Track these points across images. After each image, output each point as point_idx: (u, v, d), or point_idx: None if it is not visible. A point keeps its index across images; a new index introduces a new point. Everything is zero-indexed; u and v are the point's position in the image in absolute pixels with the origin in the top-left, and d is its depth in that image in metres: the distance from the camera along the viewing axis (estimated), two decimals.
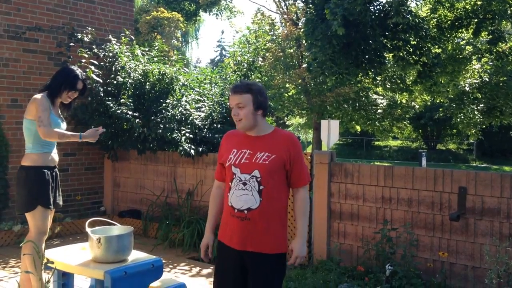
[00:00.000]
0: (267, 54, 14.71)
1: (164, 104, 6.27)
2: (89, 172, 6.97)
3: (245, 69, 7.11)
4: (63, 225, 6.29)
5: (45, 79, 6.38)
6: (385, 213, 4.63)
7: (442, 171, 4.36)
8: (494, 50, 13.26)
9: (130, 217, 6.61)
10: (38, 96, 3.72)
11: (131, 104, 6.29)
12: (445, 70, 13.18)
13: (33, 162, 3.70)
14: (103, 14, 7.06)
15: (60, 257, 3.34)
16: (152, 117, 6.21)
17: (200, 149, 5.99)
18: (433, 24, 13.05)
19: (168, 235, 5.84)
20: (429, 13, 13.47)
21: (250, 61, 7.14)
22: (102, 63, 6.75)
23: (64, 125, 3.91)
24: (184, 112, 6.26)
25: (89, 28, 6.72)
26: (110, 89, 6.61)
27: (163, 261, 3.50)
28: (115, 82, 6.56)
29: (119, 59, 6.68)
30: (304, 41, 13.81)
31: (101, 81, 6.53)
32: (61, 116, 3.95)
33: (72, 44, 6.54)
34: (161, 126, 6.06)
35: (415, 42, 11.68)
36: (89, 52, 6.53)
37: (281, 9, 17.74)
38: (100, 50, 6.77)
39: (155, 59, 7.03)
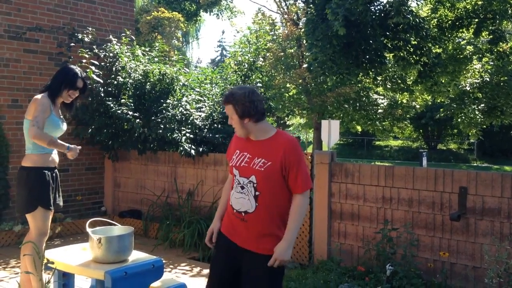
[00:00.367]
0: (267, 54, 14.70)
1: (164, 104, 6.27)
2: (90, 172, 6.97)
3: (245, 69, 7.11)
4: (64, 225, 6.30)
5: (45, 79, 6.39)
6: (385, 213, 4.63)
7: (442, 171, 4.35)
8: (495, 50, 13.25)
9: (130, 217, 6.61)
10: (38, 96, 3.72)
11: (132, 104, 6.29)
12: (445, 70, 13.17)
13: (34, 163, 3.69)
14: (104, 14, 7.07)
15: (61, 258, 3.34)
16: (153, 117, 6.21)
17: (201, 149, 5.99)
18: (434, 24, 13.04)
19: (169, 235, 5.84)
20: (429, 13, 13.46)
21: (250, 61, 7.15)
22: (102, 64, 6.75)
23: (64, 125, 3.91)
24: (185, 112, 6.26)
25: (90, 28, 6.72)
26: (110, 89, 6.61)
27: (164, 261, 3.50)
28: (115, 82, 6.56)
29: (119, 59, 6.68)
30: (304, 41, 13.81)
31: (101, 81, 6.53)
32: (62, 117, 3.94)
33: (72, 44, 6.55)
34: (162, 126, 6.06)
35: (415, 42, 11.67)
36: (89, 53, 6.54)
37: (281, 9, 17.73)
38: (101, 51, 6.78)
39: (156, 59, 7.03)
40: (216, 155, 5.99)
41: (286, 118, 21.86)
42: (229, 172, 2.86)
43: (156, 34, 16.78)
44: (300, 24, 16.27)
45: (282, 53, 16.14)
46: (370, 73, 12.25)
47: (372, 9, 11.20)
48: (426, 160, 15.89)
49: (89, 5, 6.89)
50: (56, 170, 3.87)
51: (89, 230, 3.24)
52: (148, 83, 6.57)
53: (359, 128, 19.45)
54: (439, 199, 4.34)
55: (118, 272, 3.07)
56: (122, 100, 6.24)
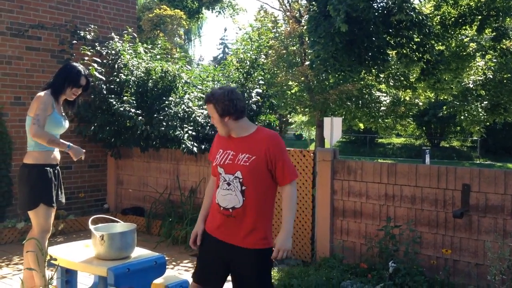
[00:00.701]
0: (270, 52, 14.68)
1: (166, 102, 6.27)
2: (92, 170, 6.98)
3: (247, 67, 7.09)
4: (67, 222, 6.31)
5: (48, 77, 6.40)
6: (388, 210, 4.62)
7: (445, 168, 4.34)
8: (498, 47, 13.21)
9: (133, 215, 6.62)
10: (41, 93, 3.71)
11: (134, 102, 6.29)
12: (448, 67, 13.14)
13: (35, 160, 3.70)
14: (106, 12, 7.07)
15: (64, 254, 3.35)
16: (155, 115, 6.21)
17: (203, 146, 5.99)
18: (437, 21, 13.00)
19: (171, 232, 5.84)
20: (432, 10, 13.42)
21: (252, 58, 7.12)
22: (104, 61, 6.75)
23: (66, 123, 3.91)
24: (187, 109, 6.26)
25: (92, 26, 6.72)
26: (113, 86, 6.61)
27: (166, 258, 3.50)
28: (117, 79, 6.56)
29: (121, 56, 6.68)
30: (307, 39, 13.78)
31: (104, 78, 6.53)
32: (64, 114, 3.94)
33: (74, 41, 6.55)
34: (164, 123, 6.06)
35: (418, 39, 11.64)
36: (91, 50, 6.54)
37: (284, 6, 17.70)
38: (103, 48, 6.78)
39: (158, 56, 7.03)
40: None
41: (288, 116, 21.85)
42: (212, 173, 2.92)
43: (158, 31, 16.77)
44: (303, 21, 16.24)
45: (284, 51, 16.12)
46: (373, 70, 12.23)
47: (375, 6, 11.16)
48: (429, 158, 15.85)
49: (91, 3, 6.89)
50: (58, 167, 3.87)
51: (91, 227, 3.25)
52: (150, 81, 6.57)
53: (361, 125, 19.41)
54: (442, 196, 4.33)
55: (121, 269, 3.08)
56: (125, 98, 6.24)
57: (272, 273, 2.77)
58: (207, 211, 2.91)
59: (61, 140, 3.76)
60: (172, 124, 6.05)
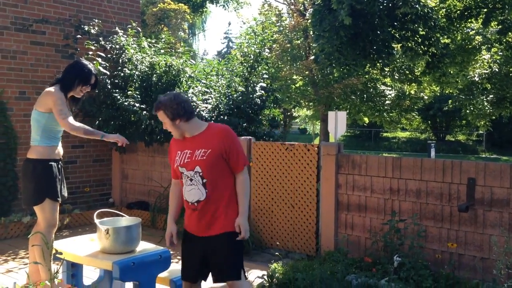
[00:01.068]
0: (274, 46, 14.64)
1: None
2: (97, 164, 7.00)
3: (251, 61, 7.07)
4: (72, 216, 6.34)
5: (52, 71, 6.41)
6: (393, 204, 4.61)
7: (451, 162, 4.32)
8: (504, 40, 13.10)
9: (138, 209, 6.64)
10: (51, 89, 3.70)
11: (138, 96, 6.29)
12: (454, 60, 13.05)
13: (40, 155, 3.70)
14: (110, 6, 7.06)
15: (69, 248, 3.37)
16: None
17: None
18: (442, 14, 12.90)
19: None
20: (438, 3, 13.30)
21: (257, 52, 7.09)
22: (109, 55, 6.75)
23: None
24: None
25: (96, 20, 6.72)
26: (117, 81, 6.62)
27: (171, 252, 3.51)
28: (122, 74, 6.56)
29: (126, 51, 6.68)
30: (311, 32, 13.73)
31: (108, 73, 6.53)
32: (69, 110, 3.95)
33: (79, 36, 6.55)
34: None
35: (423, 33, 11.55)
36: (96, 44, 6.54)
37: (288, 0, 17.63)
38: (107, 42, 6.78)
39: (162, 51, 7.02)
40: None
41: (292, 110, 21.81)
42: (172, 176, 3.08)
43: (162, 26, 16.76)
44: (307, 15, 16.17)
45: (288, 44, 16.09)
46: (378, 64, 12.15)
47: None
48: (434, 152, 15.82)
49: None
50: (61, 162, 3.88)
51: (97, 221, 3.26)
52: (155, 75, 6.56)
53: (366, 119, 19.37)
54: (447, 190, 4.32)
55: (126, 263, 3.09)
56: (129, 92, 6.24)
57: (242, 255, 2.97)
58: (176, 211, 3.06)
59: (96, 130, 3.85)
60: None
